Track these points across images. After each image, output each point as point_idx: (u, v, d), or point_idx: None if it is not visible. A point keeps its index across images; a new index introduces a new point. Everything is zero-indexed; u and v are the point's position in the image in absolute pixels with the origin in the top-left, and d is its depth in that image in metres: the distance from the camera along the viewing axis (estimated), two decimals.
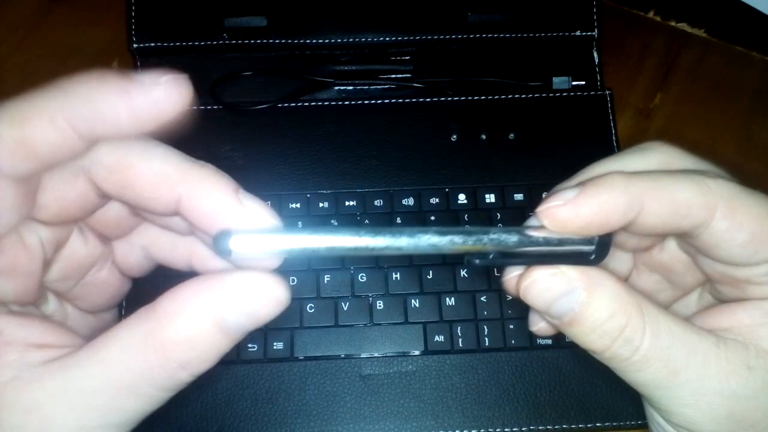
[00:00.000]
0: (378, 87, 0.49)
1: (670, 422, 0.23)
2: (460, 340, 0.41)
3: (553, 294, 0.22)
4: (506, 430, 0.39)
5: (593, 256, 0.22)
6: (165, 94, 0.19)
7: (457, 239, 0.21)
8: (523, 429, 0.39)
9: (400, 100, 0.48)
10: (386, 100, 0.48)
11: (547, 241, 0.22)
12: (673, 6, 0.55)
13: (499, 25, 0.48)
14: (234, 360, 0.40)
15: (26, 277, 0.22)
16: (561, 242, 0.22)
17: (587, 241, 0.22)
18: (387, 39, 0.48)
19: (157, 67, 0.48)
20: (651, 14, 0.55)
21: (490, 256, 0.22)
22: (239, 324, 0.20)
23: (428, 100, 0.48)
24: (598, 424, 0.39)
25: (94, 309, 0.27)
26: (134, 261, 0.27)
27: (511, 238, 0.22)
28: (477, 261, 0.22)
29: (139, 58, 0.48)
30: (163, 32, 0.47)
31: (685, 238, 0.24)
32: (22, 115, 0.18)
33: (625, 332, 0.21)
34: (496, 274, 0.42)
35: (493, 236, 0.21)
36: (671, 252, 0.26)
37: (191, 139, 0.46)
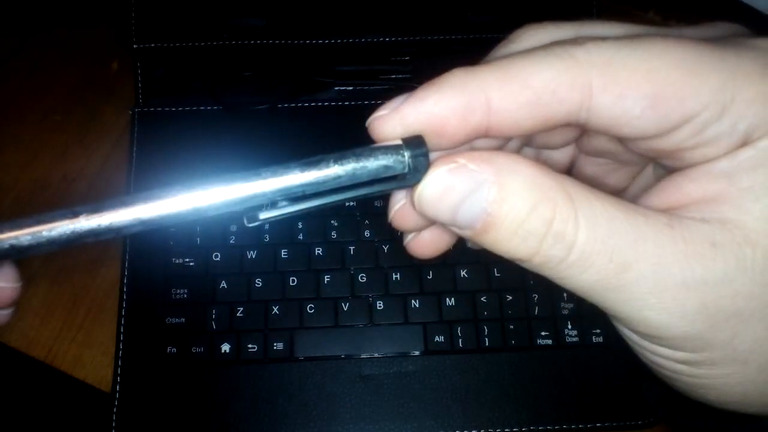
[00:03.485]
0: (378, 87, 0.49)
1: (637, 333, 0.19)
2: (460, 340, 0.41)
3: (456, 195, 0.17)
4: (506, 430, 0.39)
5: (408, 177, 0.19)
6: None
7: (199, 199, 0.17)
8: (523, 429, 0.39)
9: None
10: (386, 101, 0.48)
11: (338, 176, 0.18)
12: (673, 6, 0.55)
13: (499, 25, 0.48)
14: (234, 360, 0.40)
15: None
16: (358, 171, 0.18)
17: (397, 161, 0.19)
18: (387, 39, 0.48)
19: (156, 67, 0.48)
20: (651, 14, 0.55)
21: (279, 205, 0.18)
22: None
23: None
24: (598, 424, 0.39)
25: None
26: None
27: (290, 176, 0.17)
28: (261, 215, 0.18)
29: (139, 59, 0.48)
30: (163, 32, 0.47)
31: (576, 127, 0.20)
32: None
33: (554, 226, 0.17)
34: (496, 274, 0.42)
35: (267, 179, 0.17)
36: (600, 136, 0.22)
37: (192, 139, 0.47)
